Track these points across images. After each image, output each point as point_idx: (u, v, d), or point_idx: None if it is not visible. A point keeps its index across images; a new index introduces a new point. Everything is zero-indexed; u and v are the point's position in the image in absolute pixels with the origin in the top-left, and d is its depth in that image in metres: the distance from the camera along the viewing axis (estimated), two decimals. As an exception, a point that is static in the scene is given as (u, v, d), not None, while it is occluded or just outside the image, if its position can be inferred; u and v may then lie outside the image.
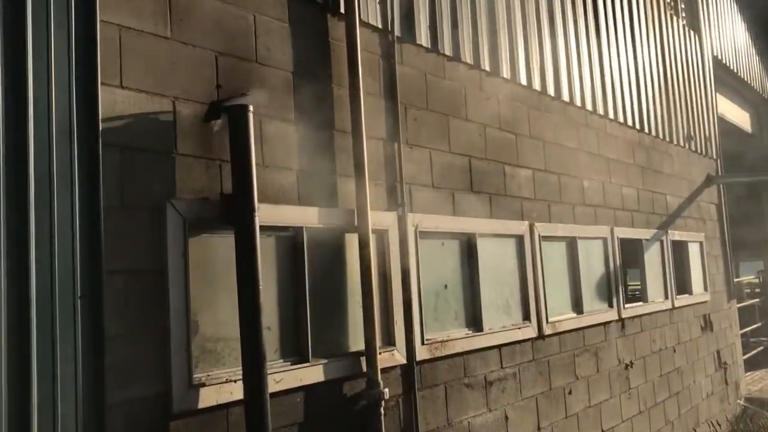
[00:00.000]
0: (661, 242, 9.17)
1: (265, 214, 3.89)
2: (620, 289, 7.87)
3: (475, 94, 5.94)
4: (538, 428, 6.14)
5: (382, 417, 4.42)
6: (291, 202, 4.18)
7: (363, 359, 4.44)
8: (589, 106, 7.68)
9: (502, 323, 5.91)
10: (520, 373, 5.99)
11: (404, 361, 4.81)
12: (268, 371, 3.75)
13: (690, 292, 9.93)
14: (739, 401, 11.25)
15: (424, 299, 5.08)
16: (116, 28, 3.38)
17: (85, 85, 3.15)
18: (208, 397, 3.51)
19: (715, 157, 11.71)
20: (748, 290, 17.00)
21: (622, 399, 7.60)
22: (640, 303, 8.56)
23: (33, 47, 2.99)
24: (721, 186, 11.84)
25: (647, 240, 8.78)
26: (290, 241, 4.20)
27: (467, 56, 5.84)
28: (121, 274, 3.28)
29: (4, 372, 2.78)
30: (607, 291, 7.68)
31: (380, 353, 4.51)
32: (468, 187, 5.70)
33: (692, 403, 9.49)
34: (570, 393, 6.66)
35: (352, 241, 4.57)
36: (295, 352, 4.13)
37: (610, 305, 7.67)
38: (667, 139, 9.74)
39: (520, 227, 6.28)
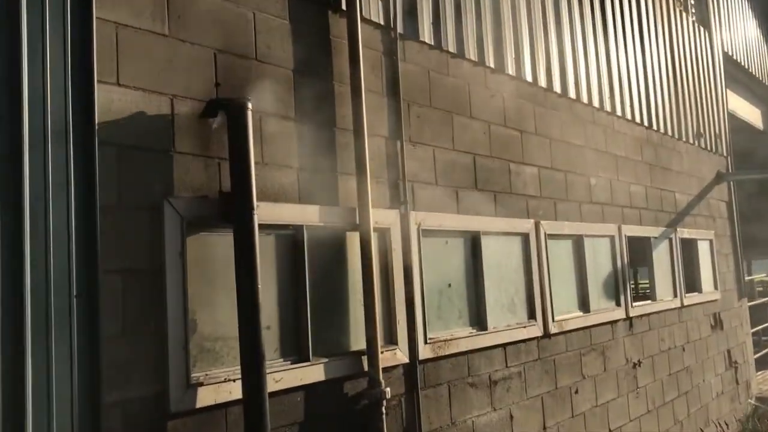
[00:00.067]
0: (670, 240, 9.09)
1: (264, 212, 3.87)
2: (628, 288, 7.80)
3: (480, 91, 5.90)
4: (544, 428, 6.09)
5: (384, 416, 4.38)
6: (291, 200, 4.15)
7: (364, 358, 4.41)
8: (596, 103, 7.61)
9: (506, 322, 5.87)
10: (525, 372, 5.95)
11: (407, 360, 4.77)
12: (268, 370, 3.73)
13: (700, 291, 9.84)
14: (750, 400, 11.15)
15: (427, 298, 5.04)
16: (113, 26, 3.36)
17: (81, 82, 3.14)
18: (206, 397, 3.49)
19: (725, 154, 11.60)
20: (760, 288, 16.86)
21: (629, 398, 7.54)
22: (649, 301, 8.48)
23: (28, 45, 2.98)
24: (732, 183, 11.71)
25: (656, 238, 8.70)
26: (290, 239, 4.17)
27: (471, 53, 5.80)
28: (118, 273, 3.26)
29: (-2, 371, 2.77)
30: (615, 289, 7.62)
31: (382, 352, 4.48)
32: (472, 185, 5.66)
33: (702, 402, 9.41)
34: (576, 392, 6.60)
35: (353, 240, 4.54)
36: (295, 352, 4.10)
37: (618, 304, 7.60)
38: (676, 136, 9.65)
39: (526, 225, 6.22)
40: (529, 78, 6.51)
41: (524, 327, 6.01)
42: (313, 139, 4.35)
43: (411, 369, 4.81)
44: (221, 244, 3.72)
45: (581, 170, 7.23)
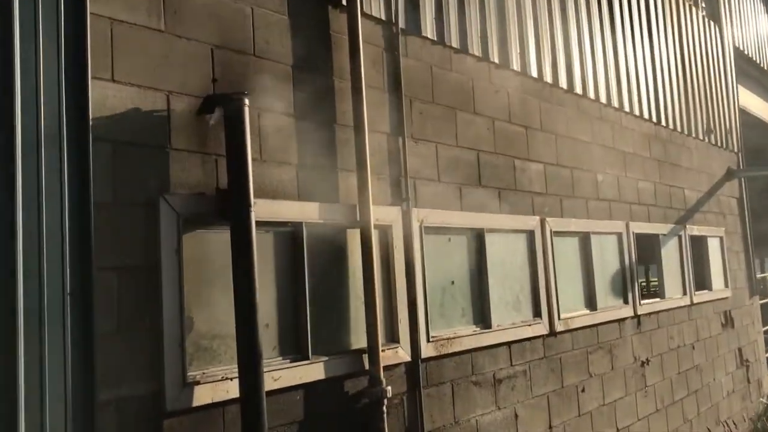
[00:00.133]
0: (679, 237, 8.99)
1: (262, 209, 3.83)
2: (636, 285, 7.72)
3: (484, 87, 5.84)
4: (550, 427, 6.03)
5: (385, 415, 4.34)
6: (290, 197, 4.11)
7: (365, 357, 4.36)
8: (603, 99, 7.53)
9: (511, 320, 5.81)
10: (530, 371, 5.89)
11: (409, 359, 4.72)
12: (267, 369, 3.70)
13: (710, 288, 9.73)
14: (761, 399, 11.03)
15: (430, 296, 4.99)
16: (107, 21, 3.33)
17: (74, 78, 3.10)
18: (203, 395, 3.46)
19: (736, 150, 11.46)
20: (773, 286, 16.66)
21: (638, 397, 7.46)
22: (657, 299, 8.39)
23: (20, 40, 2.95)
24: (743, 180, 11.58)
25: (664, 235, 8.60)
26: (289, 236, 4.13)
27: (475, 48, 5.74)
28: (113, 270, 3.24)
29: (-11, 370, 2.75)
30: (623, 287, 7.54)
31: (383, 351, 4.43)
32: (476, 182, 5.60)
33: (712, 401, 9.31)
34: (583, 391, 6.53)
35: (354, 237, 4.49)
36: (294, 350, 4.06)
37: (626, 301, 7.53)
38: (686, 132, 9.54)
39: (531, 222, 6.16)
40: (534, 73, 6.44)
41: (529, 325, 5.95)
42: (313, 135, 4.31)
43: (413, 367, 4.77)
44: (218, 241, 3.68)
45: (588, 167, 7.15)
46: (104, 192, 3.23)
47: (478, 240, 5.57)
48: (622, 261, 7.58)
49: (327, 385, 4.14)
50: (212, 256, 3.69)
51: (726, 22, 11.68)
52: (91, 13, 3.19)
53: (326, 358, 4.15)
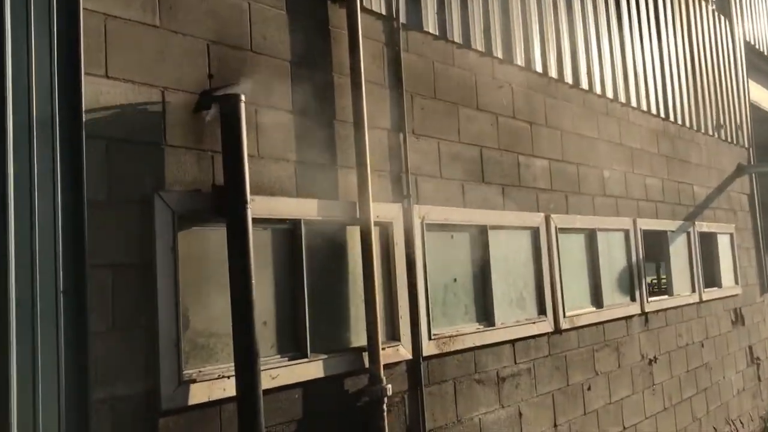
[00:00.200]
0: (688, 234, 8.89)
1: (260, 206, 3.80)
2: (643, 282, 7.64)
3: (487, 83, 5.78)
4: (555, 425, 5.97)
5: (385, 413, 4.30)
6: (288, 194, 4.07)
7: (365, 355, 4.33)
8: (610, 94, 7.45)
9: (515, 318, 5.75)
10: (535, 369, 5.83)
11: (410, 357, 4.68)
12: (264, 367, 3.68)
13: (719, 285, 9.63)
14: (772, 397, 10.92)
15: (432, 293, 4.95)
16: (101, 17, 3.30)
17: (67, 75, 3.08)
18: (199, 394, 3.43)
19: (747, 145, 11.34)
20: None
21: (645, 395, 7.38)
22: (665, 296, 8.31)
23: (12, 36, 2.93)
24: (754, 175, 11.45)
25: (673, 232, 8.51)
26: (288, 233, 4.10)
27: (478, 43, 5.68)
28: (107, 268, 3.21)
29: (-20, 369, 2.73)
30: (630, 284, 7.46)
31: (384, 348, 4.39)
32: (479, 178, 5.54)
33: (722, 399, 9.21)
34: (589, 389, 6.47)
35: (353, 234, 4.45)
36: (293, 348, 4.03)
37: (633, 299, 7.45)
38: (695, 127, 9.43)
39: (536, 219, 6.10)
40: (539, 69, 6.38)
41: (534, 323, 5.90)
42: (312, 131, 4.28)
43: (414, 365, 4.73)
44: (215, 238, 3.65)
45: (594, 163, 7.08)
46: (98, 189, 3.20)
47: (482, 237, 5.51)
48: (629, 258, 7.50)
49: (326, 384, 4.11)
50: (208, 254, 3.66)
51: (736, 17, 11.55)
52: (84, 9, 3.17)
53: (325, 356, 4.11)
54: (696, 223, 9.10)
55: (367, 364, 4.32)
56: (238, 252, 3.53)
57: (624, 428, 6.92)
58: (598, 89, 7.23)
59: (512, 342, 5.61)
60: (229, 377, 3.55)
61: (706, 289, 9.13)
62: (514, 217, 5.84)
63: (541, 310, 6.05)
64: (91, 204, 3.11)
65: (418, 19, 5.16)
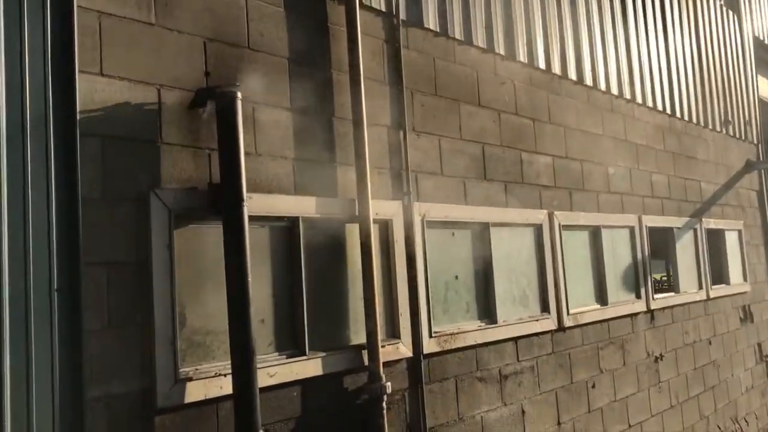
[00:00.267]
0: (695, 231, 8.82)
1: (257, 203, 3.79)
2: (649, 280, 7.58)
3: (489, 79, 5.74)
4: (558, 423, 5.94)
5: (384, 411, 4.28)
6: (286, 191, 4.06)
7: (365, 352, 4.31)
8: (614, 91, 7.39)
9: (518, 315, 5.72)
10: (538, 367, 5.80)
11: (410, 354, 4.66)
12: (262, 365, 3.68)
13: (727, 283, 9.55)
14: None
15: (433, 291, 4.93)
16: (95, 14, 3.29)
17: (61, 73, 3.09)
18: (195, 392, 3.43)
19: (755, 141, 11.23)
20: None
21: (651, 393, 7.33)
22: (671, 294, 8.24)
23: (5, 34, 2.93)
24: (763, 172, 11.35)
25: (679, 228, 8.45)
26: (286, 231, 4.09)
27: (479, 39, 5.64)
28: (102, 266, 3.21)
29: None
30: (635, 281, 7.41)
31: (384, 346, 4.38)
32: (481, 175, 5.51)
33: (730, 397, 9.14)
34: (593, 387, 6.43)
35: (353, 231, 4.44)
36: (291, 345, 4.02)
37: (638, 296, 7.40)
38: (702, 123, 9.35)
39: (539, 216, 6.06)
40: (542, 65, 6.33)
41: (537, 320, 5.86)
42: (310, 128, 4.26)
43: (415, 363, 4.71)
44: (211, 236, 3.65)
45: (598, 159, 7.03)
46: (93, 187, 3.20)
47: (484, 234, 5.48)
48: (634, 255, 7.45)
49: (325, 382, 4.10)
50: (205, 252, 3.65)
51: (745, 12, 11.44)
52: (78, 7, 3.17)
53: (324, 354, 4.10)
54: (703, 219, 9.03)
55: (366, 362, 4.30)
56: (234, 250, 3.52)
57: (629, 426, 6.87)
58: (602, 85, 7.18)
59: (515, 339, 5.58)
60: (225, 375, 3.54)
61: (713, 286, 9.06)
62: (516, 215, 5.81)
63: (545, 308, 6.01)
64: (86, 202, 3.11)
65: (419, 15, 5.13)
